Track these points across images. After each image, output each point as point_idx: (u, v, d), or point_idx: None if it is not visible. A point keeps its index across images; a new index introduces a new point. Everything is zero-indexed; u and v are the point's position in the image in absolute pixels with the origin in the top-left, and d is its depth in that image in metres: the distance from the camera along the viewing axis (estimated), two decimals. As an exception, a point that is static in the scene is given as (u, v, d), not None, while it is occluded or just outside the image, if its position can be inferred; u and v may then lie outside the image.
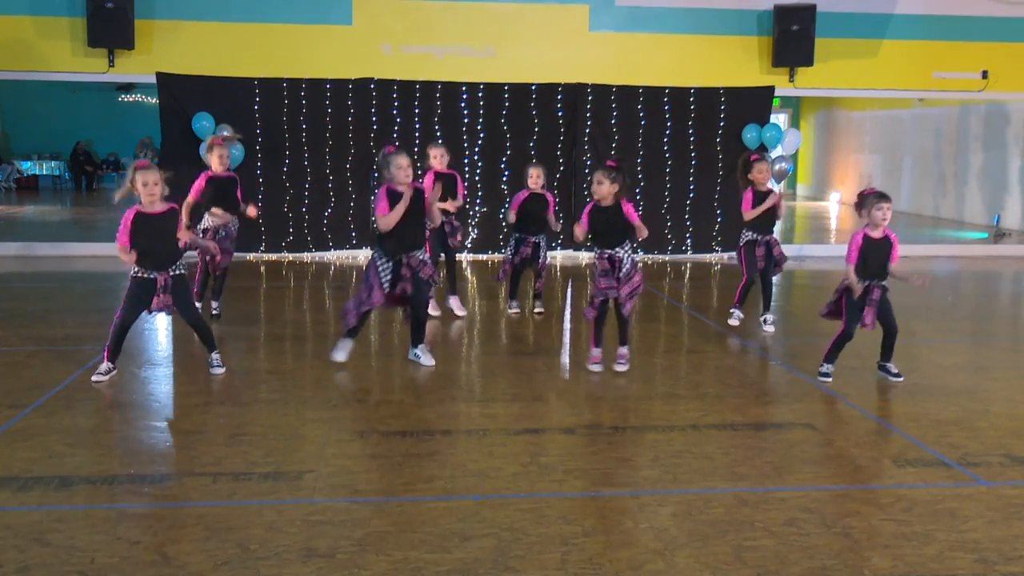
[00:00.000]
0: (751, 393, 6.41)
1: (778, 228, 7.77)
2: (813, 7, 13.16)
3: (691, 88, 13.36)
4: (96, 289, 10.59)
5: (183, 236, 6.26)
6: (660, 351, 7.65)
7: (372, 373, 6.86)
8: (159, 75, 12.44)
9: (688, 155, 13.50)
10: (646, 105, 13.31)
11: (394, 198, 6.54)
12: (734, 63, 13.54)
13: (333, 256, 13.14)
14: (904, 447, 5.27)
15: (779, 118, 22.02)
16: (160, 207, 6.13)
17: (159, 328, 8.03)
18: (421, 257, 6.72)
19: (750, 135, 13.31)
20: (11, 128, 26.01)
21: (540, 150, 13.02)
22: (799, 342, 8.06)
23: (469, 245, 13.13)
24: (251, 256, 12.67)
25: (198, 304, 7.45)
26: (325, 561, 3.74)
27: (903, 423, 5.77)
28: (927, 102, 19.68)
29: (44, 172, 25.76)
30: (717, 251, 13.59)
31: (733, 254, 11.97)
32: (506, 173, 13.17)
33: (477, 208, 13.23)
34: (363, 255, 13.16)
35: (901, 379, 6.57)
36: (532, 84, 13.11)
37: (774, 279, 8.51)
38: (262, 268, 12.01)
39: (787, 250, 14.57)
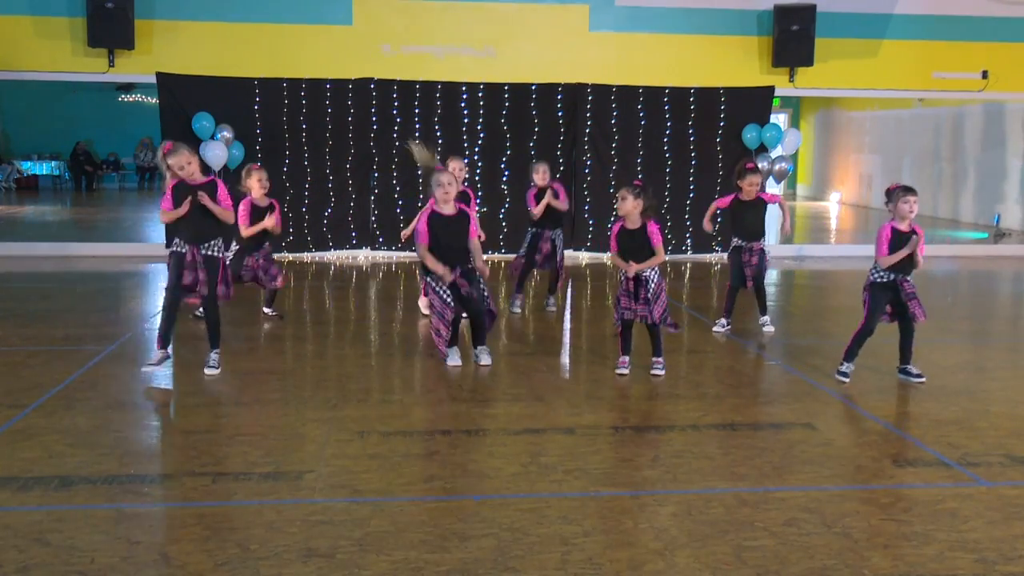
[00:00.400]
0: (751, 393, 6.42)
1: (775, 232, 7.77)
2: (813, 7, 13.16)
3: (691, 88, 13.36)
4: (96, 289, 10.59)
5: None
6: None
7: (372, 373, 6.87)
8: (159, 75, 12.45)
9: (688, 155, 13.50)
10: (646, 105, 13.31)
11: (434, 223, 6.54)
12: (734, 63, 13.54)
13: (333, 256, 13.14)
14: (904, 447, 5.27)
15: (779, 118, 22.01)
16: (199, 179, 6.28)
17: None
18: (467, 267, 6.70)
19: (750, 135, 13.31)
20: (11, 128, 26.02)
21: (540, 150, 13.00)
22: (799, 342, 8.06)
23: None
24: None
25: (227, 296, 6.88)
26: (325, 561, 3.73)
27: (903, 423, 5.77)
28: (927, 102, 19.67)
29: (44, 172, 25.79)
30: (717, 251, 13.59)
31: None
32: (506, 173, 13.17)
33: (477, 208, 13.19)
34: (363, 255, 13.17)
35: (924, 380, 6.48)
36: (532, 84, 13.11)
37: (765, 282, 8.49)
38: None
39: (787, 250, 14.80)
